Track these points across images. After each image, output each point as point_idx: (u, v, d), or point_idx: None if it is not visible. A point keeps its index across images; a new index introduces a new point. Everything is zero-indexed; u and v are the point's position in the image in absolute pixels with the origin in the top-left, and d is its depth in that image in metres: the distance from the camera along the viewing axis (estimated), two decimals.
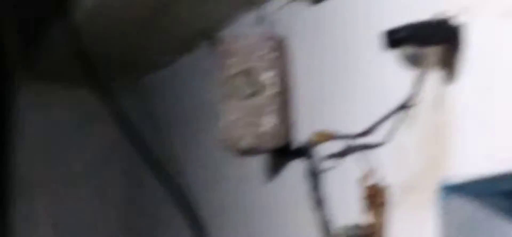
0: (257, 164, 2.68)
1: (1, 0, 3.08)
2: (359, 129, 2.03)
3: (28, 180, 3.28)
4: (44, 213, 3.20)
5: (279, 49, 2.51)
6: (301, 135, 2.38)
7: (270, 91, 2.46)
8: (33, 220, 3.19)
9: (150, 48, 3.24)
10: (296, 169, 2.42)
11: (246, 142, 2.50)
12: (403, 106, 1.84)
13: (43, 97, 3.55)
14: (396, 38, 1.66)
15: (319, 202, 2.26)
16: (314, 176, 2.29)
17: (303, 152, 2.37)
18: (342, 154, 2.20)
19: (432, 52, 1.65)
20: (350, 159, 2.15)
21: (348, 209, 2.13)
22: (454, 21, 1.63)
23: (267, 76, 2.47)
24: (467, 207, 1.71)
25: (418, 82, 1.75)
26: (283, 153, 2.53)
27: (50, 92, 3.59)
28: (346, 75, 2.16)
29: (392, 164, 1.96)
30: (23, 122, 3.43)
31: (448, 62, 1.66)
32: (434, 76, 1.71)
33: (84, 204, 3.56)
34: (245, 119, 2.51)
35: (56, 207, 3.34)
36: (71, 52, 2.97)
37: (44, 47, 3.35)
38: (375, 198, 1.97)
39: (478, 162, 1.58)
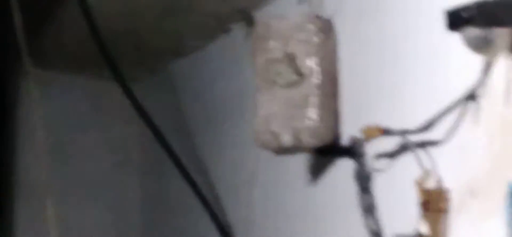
0: (299, 163, 2.64)
1: None
2: (416, 123, 2.00)
3: (35, 181, 3.26)
4: (53, 217, 3.21)
5: (325, 32, 2.46)
6: (349, 130, 2.35)
7: (314, 80, 2.43)
8: (40, 225, 3.18)
9: (176, 30, 3.20)
10: (343, 169, 2.40)
11: (287, 138, 2.45)
12: (468, 98, 1.82)
13: (52, 89, 3.55)
14: (460, 18, 1.63)
15: (369, 208, 2.23)
16: (364, 177, 2.26)
17: (351, 150, 2.34)
18: (396, 152, 2.16)
19: (502, 35, 1.62)
20: (405, 159, 2.11)
21: (402, 216, 2.10)
22: None
23: (311, 63, 2.43)
24: None
25: (485, 70, 1.74)
26: (328, 151, 2.48)
27: (60, 83, 3.69)
28: (402, 62, 2.16)
29: (454, 164, 1.94)
30: (29, 116, 3.43)
31: None
32: (504, 63, 1.70)
33: (98, 208, 3.64)
34: (285, 112, 2.47)
35: (66, 211, 3.30)
36: (84, 36, 2.93)
37: (53, 30, 3.34)
38: (434, 203, 1.94)
39: None
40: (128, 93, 3.03)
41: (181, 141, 3.25)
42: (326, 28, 2.45)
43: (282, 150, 2.55)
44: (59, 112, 3.49)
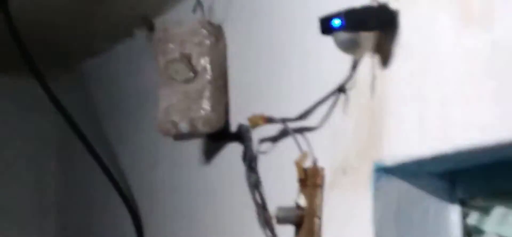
0: (194, 147, 2.66)
1: None
2: (295, 112, 2.02)
3: None
4: None
5: (216, 36, 2.48)
6: (238, 119, 2.37)
7: (206, 76, 2.46)
8: None
9: (87, 34, 3.17)
10: (232, 152, 2.42)
11: (184, 126, 2.45)
12: (339, 90, 1.86)
13: None
14: (331, 24, 1.67)
15: (255, 184, 2.24)
16: (251, 158, 2.27)
17: (239, 135, 2.36)
18: (278, 137, 2.18)
19: (367, 37, 1.66)
20: (286, 142, 2.13)
21: (284, 191, 2.10)
22: (388, 8, 1.67)
23: (204, 62, 2.46)
24: (401, 188, 1.79)
25: (353, 68, 1.79)
26: (219, 137, 2.51)
27: None
28: (282, 60, 2.17)
29: (327, 147, 1.97)
30: None
31: (383, 48, 1.69)
32: (369, 62, 1.75)
33: (18, 189, 3.52)
34: (183, 104, 2.48)
35: None
36: (4, 38, 2.87)
37: None
38: (311, 180, 1.98)
39: (411, 144, 1.64)
40: (46, 88, 2.98)
41: (93, 131, 3.22)
42: (217, 32, 2.47)
43: (180, 136, 2.55)
44: None
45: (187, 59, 2.49)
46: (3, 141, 3.55)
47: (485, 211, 1.91)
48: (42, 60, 2.95)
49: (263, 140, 2.28)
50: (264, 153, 2.30)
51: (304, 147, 2.02)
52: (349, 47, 1.69)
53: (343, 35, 1.66)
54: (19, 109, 3.65)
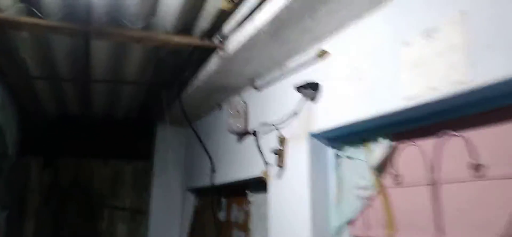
0: (234, 138, 4.35)
1: None
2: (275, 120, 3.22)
3: None
4: None
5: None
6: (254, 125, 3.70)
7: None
8: None
9: (197, 111, 5.55)
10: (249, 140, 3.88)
11: (234, 128, 4.13)
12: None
13: None
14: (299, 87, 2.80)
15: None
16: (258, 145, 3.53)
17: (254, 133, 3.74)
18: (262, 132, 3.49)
19: (312, 93, 2.76)
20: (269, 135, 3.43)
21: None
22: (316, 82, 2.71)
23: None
24: (314, 142, 2.91)
25: (298, 108, 2.81)
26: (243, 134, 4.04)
27: None
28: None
29: (290, 128, 3.14)
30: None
31: (311, 112, 2.72)
32: (307, 105, 2.80)
33: None
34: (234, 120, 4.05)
35: None
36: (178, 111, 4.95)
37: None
38: (283, 142, 3.14)
39: (319, 125, 2.76)
40: (193, 129, 5.20)
41: (202, 139, 5.28)
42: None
43: (232, 132, 4.10)
44: None
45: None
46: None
47: (342, 150, 2.91)
48: (191, 118, 5.15)
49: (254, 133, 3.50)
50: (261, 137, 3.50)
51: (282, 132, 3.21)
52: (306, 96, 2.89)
53: (305, 91, 2.85)
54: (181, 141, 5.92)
